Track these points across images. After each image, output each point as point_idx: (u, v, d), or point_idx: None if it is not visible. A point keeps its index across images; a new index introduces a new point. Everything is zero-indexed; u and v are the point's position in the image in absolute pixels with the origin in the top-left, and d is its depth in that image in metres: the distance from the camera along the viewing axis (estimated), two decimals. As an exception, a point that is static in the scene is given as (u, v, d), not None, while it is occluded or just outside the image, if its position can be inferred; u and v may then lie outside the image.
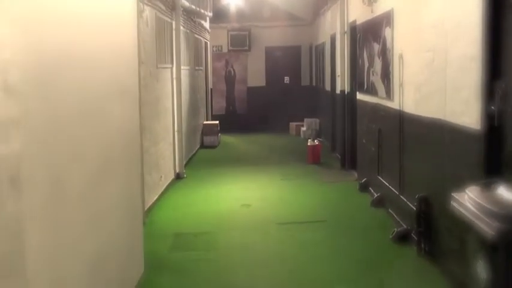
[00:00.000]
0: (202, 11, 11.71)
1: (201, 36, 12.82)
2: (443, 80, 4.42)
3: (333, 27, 10.51)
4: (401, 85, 5.72)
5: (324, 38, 12.35)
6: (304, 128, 14.02)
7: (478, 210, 2.67)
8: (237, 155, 11.74)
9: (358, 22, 8.01)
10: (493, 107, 3.53)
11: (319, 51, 13.53)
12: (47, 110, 2.58)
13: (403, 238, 5.31)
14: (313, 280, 4.62)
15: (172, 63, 8.78)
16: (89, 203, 3.20)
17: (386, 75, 6.34)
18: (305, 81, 16.10)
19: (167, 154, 8.36)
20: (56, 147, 2.70)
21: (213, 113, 15.30)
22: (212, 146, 12.60)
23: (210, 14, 13.18)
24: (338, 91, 9.73)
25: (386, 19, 6.26)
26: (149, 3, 7.05)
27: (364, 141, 7.78)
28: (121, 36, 4.08)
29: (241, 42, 15.87)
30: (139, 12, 6.32)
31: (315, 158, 10.07)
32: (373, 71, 7.09)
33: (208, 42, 14.51)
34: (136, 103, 4.58)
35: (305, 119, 14.16)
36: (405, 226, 5.45)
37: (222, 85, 16.13)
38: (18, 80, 2.25)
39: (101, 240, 3.42)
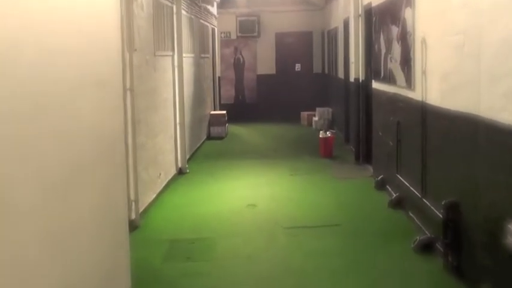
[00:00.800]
0: (207, -5, 11.09)
1: (208, 22, 12.20)
2: (476, 68, 3.77)
3: (346, 10, 9.87)
4: (424, 73, 5.08)
5: (336, 22, 11.73)
6: (316, 118, 13.40)
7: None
8: (244, 147, 11.13)
9: (374, 4, 7.36)
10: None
11: (331, 36, 12.93)
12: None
13: (426, 248, 4.69)
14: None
15: (173, 50, 8.18)
16: (49, 220, 2.62)
17: (406, 62, 5.68)
18: (317, 68, 15.49)
19: (168, 148, 7.77)
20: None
21: (222, 102, 14.74)
22: (219, 137, 12.02)
23: (217, -1, 12.57)
24: (352, 79, 9.12)
25: (406, -1, 5.60)
26: (144, -15, 6.43)
27: (380, 133, 7.14)
28: (97, 18, 3.48)
29: (250, 28, 15.28)
30: (132, -6, 5.72)
31: (327, 152, 9.43)
32: (391, 58, 6.43)
33: (216, 29, 13.89)
34: (119, 95, 3.97)
35: (317, 109, 13.54)
36: (428, 234, 4.82)
37: (231, 73, 15.53)
38: None
39: (69, 261, 2.85)
